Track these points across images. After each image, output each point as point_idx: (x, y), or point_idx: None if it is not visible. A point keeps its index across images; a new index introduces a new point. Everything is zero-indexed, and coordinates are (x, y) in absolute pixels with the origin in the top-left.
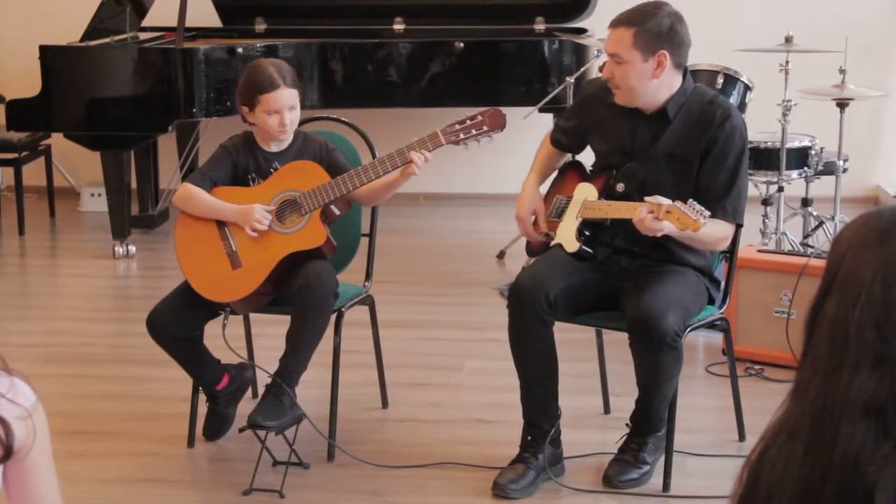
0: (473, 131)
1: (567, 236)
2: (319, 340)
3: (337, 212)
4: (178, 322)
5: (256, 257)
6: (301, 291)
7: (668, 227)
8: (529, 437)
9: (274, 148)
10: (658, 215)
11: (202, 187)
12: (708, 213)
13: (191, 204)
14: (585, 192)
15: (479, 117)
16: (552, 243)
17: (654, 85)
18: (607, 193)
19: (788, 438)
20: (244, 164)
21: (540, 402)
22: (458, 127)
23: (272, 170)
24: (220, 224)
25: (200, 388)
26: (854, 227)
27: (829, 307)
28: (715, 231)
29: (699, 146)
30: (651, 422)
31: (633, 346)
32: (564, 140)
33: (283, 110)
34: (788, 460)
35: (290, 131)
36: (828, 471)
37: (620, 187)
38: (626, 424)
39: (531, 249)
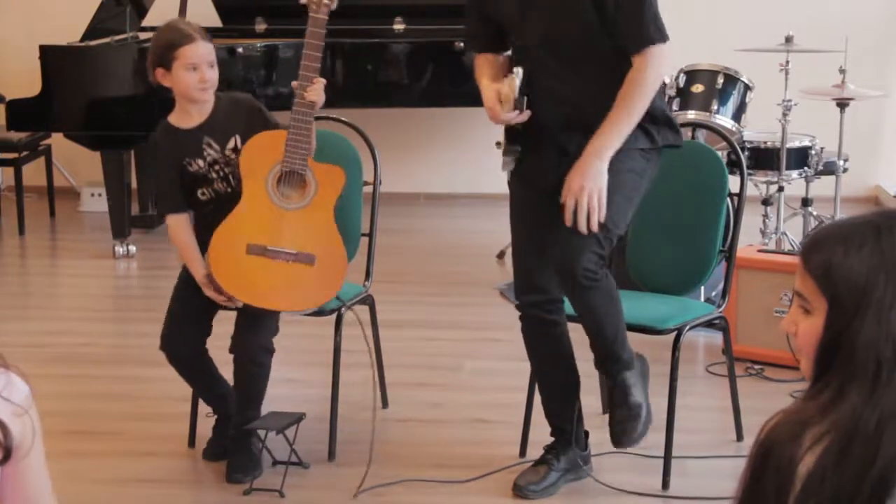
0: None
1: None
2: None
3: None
4: (189, 337)
5: (319, 238)
6: (240, 372)
7: (591, 187)
8: (552, 439)
9: (197, 120)
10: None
11: (183, 210)
12: (519, 70)
13: (180, 250)
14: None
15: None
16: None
17: None
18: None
19: (823, 454)
20: (175, 154)
21: (555, 404)
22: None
23: (205, 146)
24: (251, 245)
25: (221, 413)
26: (854, 250)
27: (864, 330)
28: (635, 88)
29: None
30: (616, 361)
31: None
32: (484, 40)
33: (203, 65)
34: (824, 470)
35: (210, 91)
36: (865, 477)
37: (517, 70)
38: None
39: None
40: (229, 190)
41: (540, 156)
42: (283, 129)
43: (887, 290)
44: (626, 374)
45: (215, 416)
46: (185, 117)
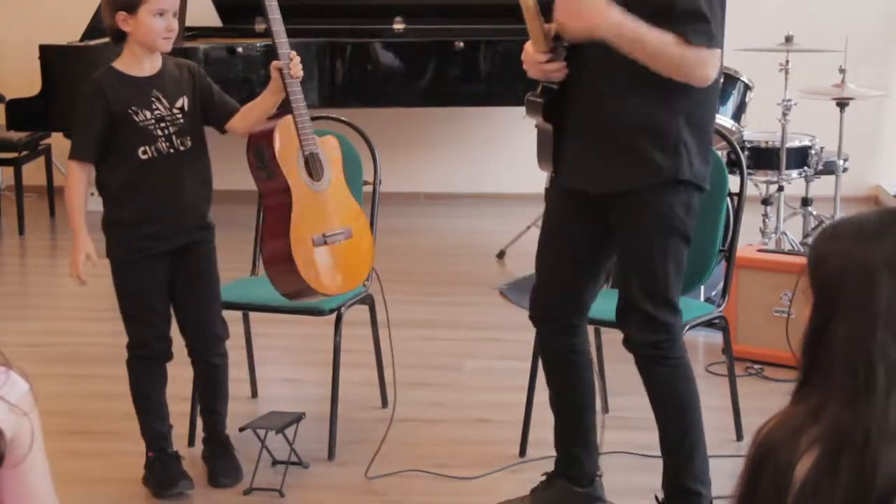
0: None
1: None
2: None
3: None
4: (168, 343)
5: (347, 209)
6: (203, 371)
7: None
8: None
9: (148, 71)
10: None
11: (88, 160)
12: None
13: (68, 198)
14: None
15: None
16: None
17: None
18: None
19: (816, 463)
20: (120, 100)
21: (564, 426)
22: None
23: (153, 98)
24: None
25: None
26: (841, 244)
27: (840, 331)
28: (675, 46)
29: None
30: (679, 490)
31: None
32: None
33: (169, 12)
34: (817, 482)
35: (171, 42)
36: (867, 496)
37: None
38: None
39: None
40: (171, 151)
41: (572, 155)
42: (284, 116)
43: (864, 291)
44: None
45: (151, 454)
46: (136, 66)
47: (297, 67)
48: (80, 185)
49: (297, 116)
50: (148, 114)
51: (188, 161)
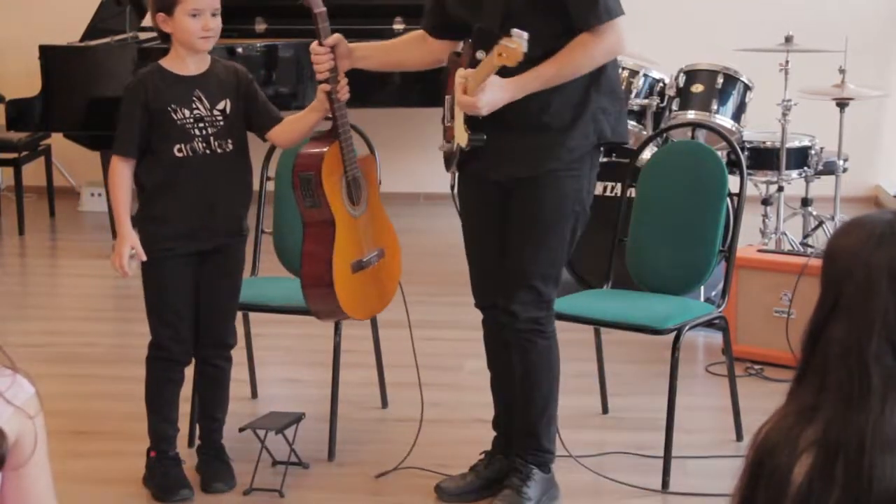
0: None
1: (459, 133)
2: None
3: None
4: (191, 344)
5: (381, 229)
6: (207, 371)
7: (485, 102)
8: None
9: (192, 71)
10: (465, 89)
11: (130, 155)
12: (523, 34)
13: (111, 191)
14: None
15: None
16: (454, 147)
17: None
18: (472, 66)
19: (811, 469)
20: (161, 98)
21: (502, 411)
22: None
23: (194, 98)
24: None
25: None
26: (850, 242)
27: (837, 331)
28: (578, 51)
29: None
30: (533, 441)
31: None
32: (430, 21)
33: (206, 12)
34: (812, 486)
35: (212, 41)
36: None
37: (480, 55)
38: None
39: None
40: (207, 152)
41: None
42: (328, 141)
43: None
44: (534, 469)
45: (153, 454)
46: (180, 65)
47: (344, 90)
48: (123, 179)
49: (343, 142)
50: (187, 112)
51: (226, 164)
